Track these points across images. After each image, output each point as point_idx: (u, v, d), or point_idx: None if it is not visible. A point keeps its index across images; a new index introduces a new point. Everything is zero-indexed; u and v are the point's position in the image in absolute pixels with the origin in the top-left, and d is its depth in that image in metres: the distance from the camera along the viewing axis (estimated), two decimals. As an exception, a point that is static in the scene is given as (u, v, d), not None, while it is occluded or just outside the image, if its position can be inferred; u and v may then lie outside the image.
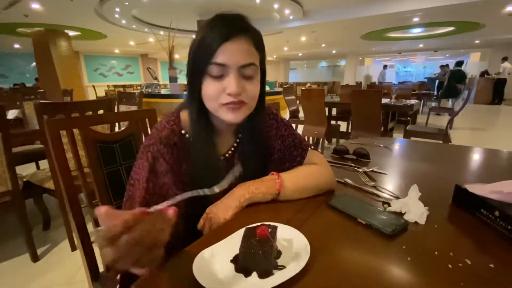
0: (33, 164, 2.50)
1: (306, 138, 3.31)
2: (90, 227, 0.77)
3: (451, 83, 6.58)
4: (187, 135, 0.61)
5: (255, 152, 0.68)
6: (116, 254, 0.29)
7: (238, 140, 0.68)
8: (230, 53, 0.52)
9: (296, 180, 0.66)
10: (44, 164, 1.85)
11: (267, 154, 0.71)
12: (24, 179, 1.62)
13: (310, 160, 0.73)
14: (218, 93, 0.54)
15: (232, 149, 0.68)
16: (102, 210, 0.29)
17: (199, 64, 0.53)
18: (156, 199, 0.53)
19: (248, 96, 0.56)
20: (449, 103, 7.06)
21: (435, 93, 8.15)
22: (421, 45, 12.50)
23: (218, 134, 0.64)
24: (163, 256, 0.34)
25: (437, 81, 9.31)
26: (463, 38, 10.07)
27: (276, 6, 6.30)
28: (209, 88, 0.54)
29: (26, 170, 1.87)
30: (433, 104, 7.11)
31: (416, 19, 7.23)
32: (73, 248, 1.61)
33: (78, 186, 0.78)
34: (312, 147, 0.76)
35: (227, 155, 0.67)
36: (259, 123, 0.66)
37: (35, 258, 1.53)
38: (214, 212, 0.58)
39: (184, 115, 0.62)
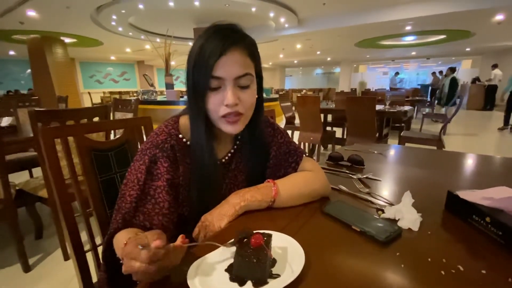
0: (26, 172, 2.46)
1: (302, 144, 3.34)
2: (83, 236, 0.76)
3: (451, 89, 6.78)
4: (184, 139, 0.61)
5: (253, 158, 0.69)
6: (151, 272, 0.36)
7: (235, 147, 0.69)
8: (226, 67, 0.53)
9: (291, 187, 0.66)
10: (37, 172, 1.83)
11: (265, 160, 0.72)
12: (17, 188, 1.59)
13: (304, 167, 0.74)
14: (217, 106, 0.56)
15: (229, 154, 0.68)
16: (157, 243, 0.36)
17: (200, 77, 0.54)
18: (148, 200, 0.56)
19: (244, 106, 0.57)
20: (442, 110, 7.18)
21: (428, 99, 8.28)
22: (413, 53, 12.75)
23: (217, 138, 0.65)
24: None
25: (430, 87, 9.47)
26: (454, 46, 10.31)
27: (271, 14, 6.40)
28: (210, 101, 0.56)
29: (19, 178, 1.85)
30: (427, 110, 7.21)
31: (408, 28, 7.41)
32: (66, 257, 1.58)
33: (72, 194, 0.77)
34: (307, 154, 0.77)
35: (223, 160, 0.67)
36: (258, 128, 0.67)
37: (27, 268, 1.50)
38: (209, 220, 0.59)
39: (183, 120, 0.63)
